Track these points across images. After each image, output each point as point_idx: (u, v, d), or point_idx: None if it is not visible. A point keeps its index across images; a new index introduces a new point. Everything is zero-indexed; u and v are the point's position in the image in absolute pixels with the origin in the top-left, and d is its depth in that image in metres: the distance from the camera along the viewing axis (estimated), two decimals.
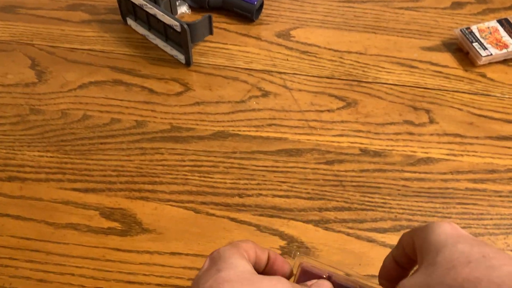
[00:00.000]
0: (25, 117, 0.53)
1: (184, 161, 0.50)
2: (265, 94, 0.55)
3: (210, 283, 0.27)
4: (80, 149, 0.51)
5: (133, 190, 0.48)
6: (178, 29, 0.55)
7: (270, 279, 0.28)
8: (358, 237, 0.45)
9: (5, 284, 0.42)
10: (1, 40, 0.61)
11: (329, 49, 0.60)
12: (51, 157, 0.50)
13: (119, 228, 0.45)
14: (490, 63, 0.59)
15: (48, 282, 0.42)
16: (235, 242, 0.31)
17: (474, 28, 0.60)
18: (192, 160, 0.50)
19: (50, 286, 0.42)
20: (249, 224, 0.46)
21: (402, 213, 0.46)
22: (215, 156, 0.50)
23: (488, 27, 0.60)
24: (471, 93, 0.56)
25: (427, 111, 0.54)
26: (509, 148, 0.51)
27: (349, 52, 0.60)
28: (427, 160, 0.50)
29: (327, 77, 0.57)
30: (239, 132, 0.52)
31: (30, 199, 0.47)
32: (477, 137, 0.52)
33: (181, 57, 0.59)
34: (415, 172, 0.49)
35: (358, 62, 0.59)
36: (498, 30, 0.59)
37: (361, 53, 0.60)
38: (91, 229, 0.45)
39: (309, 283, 0.31)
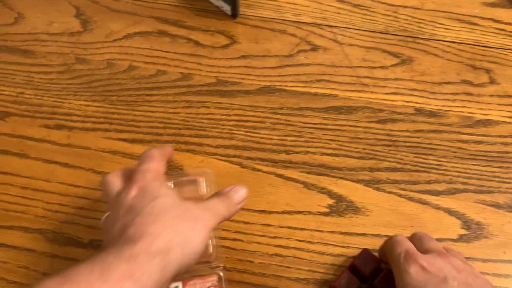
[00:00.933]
0: (71, 66, 0.53)
1: (229, 115, 0.49)
2: (314, 48, 0.53)
3: (148, 209, 0.30)
4: (126, 99, 0.50)
5: (180, 142, 0.47)
6: None
7: (197, 205, 0.33)
8: (410, 199, 0.43)
9: (55, 228, 0.42)
10: None
11: (383, 3, 0.57)
12: (97, 106, 0.50)
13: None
14: None
15: (96, 229, 0.42)
16: (146, 169, 0.34)
17: None
18: (238, 115, 0.49)
19: (98, 232, 0.42)
20: (296, 181, 0.45)
21: (458, 176, 0.44)
22: (261, 112, 0.49)
23: None
24: None
25: (488, 71, 0.51)
26: None
27: (404, 7, 0.57)
28: (486, 122, 0.47)
29: (381, 32, 0.54)
30: (286, 88, 0.50)
31: (77, 148, 0.47)
32: None
33: (227, 9, 0.56)
34: (472, 134, 0.47)
35: (414, 17, 0.55)
36: None
37: (417, 8, 0.56)
38: None
39: (227, 188, 0.36)
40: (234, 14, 0.56)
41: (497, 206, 0.43)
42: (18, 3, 0.58)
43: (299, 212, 0.43)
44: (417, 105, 0.49)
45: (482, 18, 0.55)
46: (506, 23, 0.55)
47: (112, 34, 0.55)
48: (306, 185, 0.44)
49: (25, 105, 0.50)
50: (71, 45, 0.55)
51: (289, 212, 0.43)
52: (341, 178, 0.44)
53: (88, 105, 0.50)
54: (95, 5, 0.58)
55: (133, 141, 0.47)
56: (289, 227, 0.42)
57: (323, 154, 0.46)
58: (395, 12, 0.56)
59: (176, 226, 0.30)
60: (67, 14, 0.57)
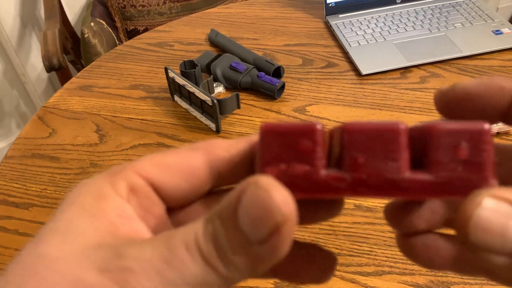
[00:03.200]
0: (86, 169, 0.67)
1: None
2: None
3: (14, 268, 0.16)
4: None
5: None
6: (210, 103, 0.68)
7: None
8: (342, 278, 0.51)
9: None
10: (76, 111, 0.78)
11: (338, 122, 0.71)
12: None
13: None
14: None
15: None
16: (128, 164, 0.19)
17: None
18: None
19: None
20: None
21: (385, 260, 0.52)
22: None
23: None
24: None
25: None
26: None
27: None
28: None
29: None
30: None
31: None
32: None
33: (212, 126, 0.71)
34: None
35: None
36: None
37: None
38: None
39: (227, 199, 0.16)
40: (218, 130, 0.71)
41: (417, 286, 0.50)
42: (54, 122, 0.76)
43: None
44: (357, 202, 0.59)
45: None
46: None
47: (121, 145, 0.71)
48: None
49: (46, 199, 0.64)
50: (88, 154, 0.70)
51: None
52: None
53: None
54: (112, 123, 0.75)
55: None
56: None
57: None
58: None
59: None
60: (89, 130, 0.74)
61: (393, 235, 0.55)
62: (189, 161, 0.19)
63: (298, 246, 0.19)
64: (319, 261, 0.20)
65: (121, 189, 0.18)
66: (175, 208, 0.20)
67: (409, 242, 0.20)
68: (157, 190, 0.19)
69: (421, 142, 0.16)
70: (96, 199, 0.17)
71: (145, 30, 1.33)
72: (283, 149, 0.16)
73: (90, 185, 0.18)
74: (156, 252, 0.15)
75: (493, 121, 0.18)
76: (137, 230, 0.18)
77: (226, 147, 0.19)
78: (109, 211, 0.17)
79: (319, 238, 0.55)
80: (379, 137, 0.16)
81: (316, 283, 0.20)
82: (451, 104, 0.19)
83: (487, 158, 0.16)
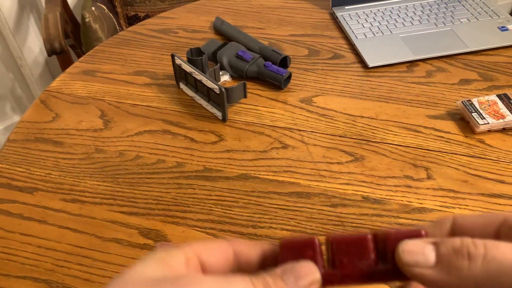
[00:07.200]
0: (91, 154, 0.67)
1: (211, 195, 0.60)
2: (285, 146, 0.66)
3: None
4: (130, 181, 0.62)
5: (168, 216, 0.58)
6: (218, 91, 0.68)
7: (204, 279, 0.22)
8: None
9: (58, 280, 0.52)
10: (80, 96, 0.77)
11: (345, 113, 0.71)
12: (106, 186, 0.62)
13: (153, 244, 0.55)
14: (489, 131, 0.66)
15: (91, 281, 0.52)
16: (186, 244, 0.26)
17: (474, 101, 0.68)
18: (218, 196, 0.60)
19: (92, 285, 0.51)
20: None
21: None
22: (236, 194, 0.60)
23: (488, 100, 0.68)
24: (469, 156, 0.63)
25: (426, 169, 0.62)
26: (499, 204, 0.57)
27: (362, 117, 0.70)
28: (421, 210, 0.57)
29: (340, 136, 0.67)
30: (259, 176, 0.62)
31: (86, 217, 0.58)
32: (470, 193, 0.58)
33: (219, 114, 0.71)
34: (409, 218, 0.56)
35: (369, 125, 0.68)
36: (497, 103, 0.67)
37: (372, 118, 0.69)
38: (130, 244, 0.55)
39: (278, 270, 0.24)
40: (224, 119, 0.70)
41: None
42: (58, 106, 0.75)
43: None
44: (365, 194, 0.59)
45: (425, 127, 0.68)
46: (444, 132, 0.67)
47: (127, 131, 0.70)
48: None
49: (50, 183, 0.63)
50: (93, 139, 0.69)
51: None
52: None
53: (99, 185, 0.62)
54: (116, 109, 0.74)
55: (130, 213, 0.58)
56: None
57: (283, 229, 0.56)
58: (353, 121, 0.69)
59: None
60: (93, 115, 0.73)
61: (400, 227, 0.55)
62: (224, 249, 0.26)
63: None
64: None
65: (179, 258, 0.24)
66: None
67: None
68: (201, 263, 0.26)
69: (383, 243, 0.24)
70: (162, 259, 0.24)
71: (146, 16, 1.31)
72: (295, 257, 0.25)
73: (155, 252, 0.24)
74: (215, 277, 0.23)
75: None
76: None
77: (249, 246, 0.27)
78: (172, 264, 0.24)
79: (327, 228, 0.55)
80: (355, 245, 0.24)
81: None
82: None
83: None
